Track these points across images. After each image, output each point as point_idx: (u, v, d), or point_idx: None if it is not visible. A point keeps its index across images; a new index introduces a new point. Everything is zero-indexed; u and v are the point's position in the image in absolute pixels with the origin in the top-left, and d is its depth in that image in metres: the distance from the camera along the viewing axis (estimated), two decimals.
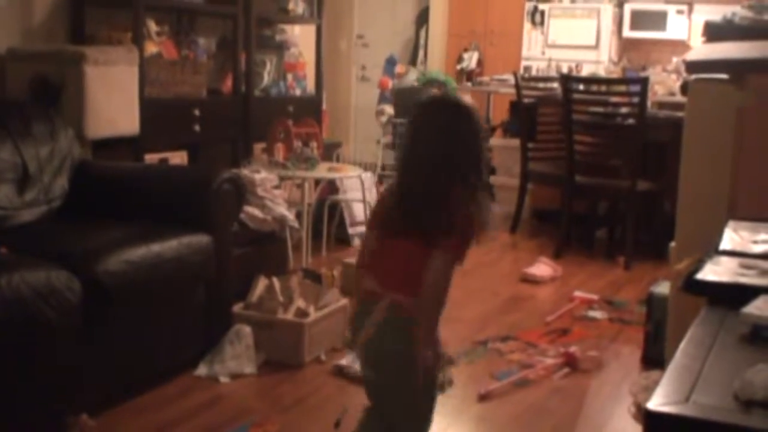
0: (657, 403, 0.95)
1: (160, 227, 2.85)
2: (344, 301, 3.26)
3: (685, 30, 6.80)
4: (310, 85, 5.33)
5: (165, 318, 2.82)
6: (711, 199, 2.42)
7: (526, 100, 5.48)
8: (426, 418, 1.92)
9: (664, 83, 6.28)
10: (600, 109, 5.07)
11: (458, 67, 7.47)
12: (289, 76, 5.15)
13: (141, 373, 2.74)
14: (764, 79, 2.42)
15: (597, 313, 3.82)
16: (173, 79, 4.06)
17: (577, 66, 6.89)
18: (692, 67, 2.60)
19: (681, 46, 6.66)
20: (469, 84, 7.06)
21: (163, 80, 4.00)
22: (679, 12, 6.83)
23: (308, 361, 3.05)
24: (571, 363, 3.13)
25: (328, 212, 4.84)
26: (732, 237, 1.68)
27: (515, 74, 5.70)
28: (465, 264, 1.85)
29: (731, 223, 1.81)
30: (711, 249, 1.59)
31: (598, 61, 6.96)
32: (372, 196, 4.65)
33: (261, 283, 3.22)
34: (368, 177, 4.87)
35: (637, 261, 4.70)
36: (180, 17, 4.41)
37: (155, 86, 3.93)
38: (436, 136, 1.81)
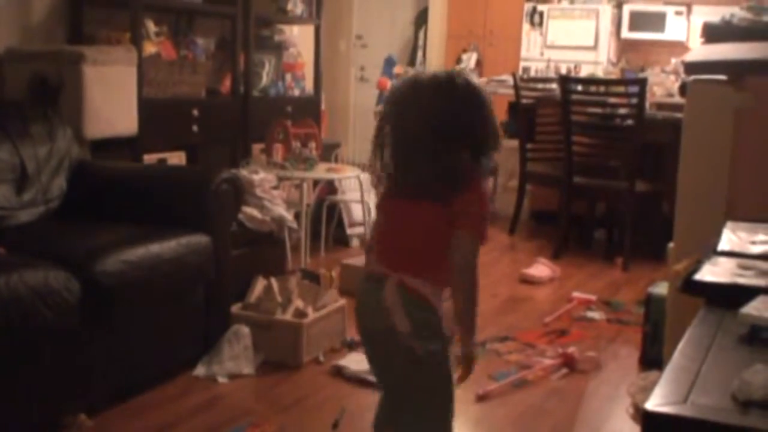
0: (655, 403, 0.96)
1: (159, 228, 2.85)
2: (343, 302, 3.27)
3: (684, 31, 6.79)
4: (309, 86, 5.32)
5: (163, 318, 2.82)
6: (709, 199, 2.43)
7: (524, 101, 5.49)
8: (450, 408, 1.87)
9: (663, 84, 6.28)
10: (598, 110, 5.07)
11: (457, 67, 7.48)
12: (288, 77, 5.14)
13: (139, 374, 2.74)
14: (763, 80, 2.42)
15: (595, 314, 3.82)
16: (172, 79, 4.06)
17: (575, 67, 6.89)
18: (691, 68, 2.61)
19: (679, 47, 6.66)
20: None
21: (162, 80, 3.99)
22: (678, 13, 6.82)
23: (306, 361, 3.05)
24: (569, 364, 3.13)
25: (326, 213, 4.84)
26: (730, 238, 1.68)
27: (514, 75, 5.70)
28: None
29: (729, 224, 1.81)
30: (709, 250, 1.59)
31: (597, 62, 6.96)
32: (371, 197, 4.65)
33: (259, 284, 3.22)
34: (367, 178, 4.86)
35: (636, 262, 4.70)
36: (179, 17, 4.40)
37: (154, 86, 3.93)
38: (420, 109, 1.71)
